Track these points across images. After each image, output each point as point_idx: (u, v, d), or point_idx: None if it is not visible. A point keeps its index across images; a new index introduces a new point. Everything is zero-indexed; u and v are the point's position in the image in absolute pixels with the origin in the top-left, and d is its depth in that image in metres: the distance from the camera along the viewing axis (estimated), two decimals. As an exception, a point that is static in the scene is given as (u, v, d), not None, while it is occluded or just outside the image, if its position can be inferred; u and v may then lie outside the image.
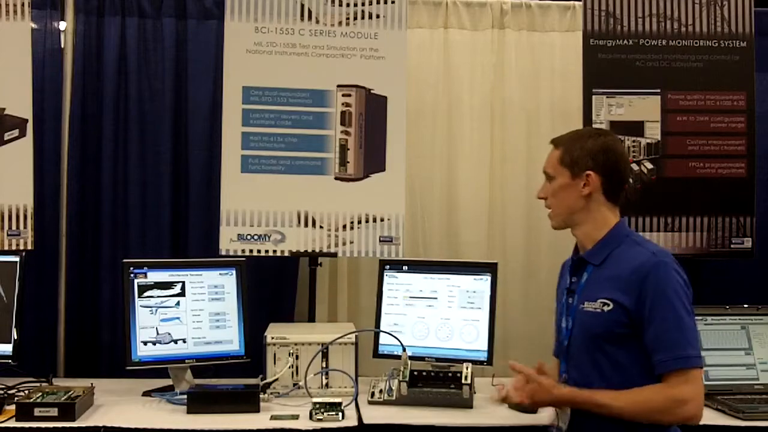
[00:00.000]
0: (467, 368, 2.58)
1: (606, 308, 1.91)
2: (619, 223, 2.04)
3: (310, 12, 3.14)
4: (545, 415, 2.49)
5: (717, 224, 3.15)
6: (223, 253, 3.06)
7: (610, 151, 2.02)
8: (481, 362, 2.82)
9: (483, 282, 2.90)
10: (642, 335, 1.88)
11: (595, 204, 2.02)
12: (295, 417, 2.42)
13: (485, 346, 2.84)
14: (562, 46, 3.53)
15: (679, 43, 3.18)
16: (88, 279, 3.26)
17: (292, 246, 3.10)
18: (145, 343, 2.73)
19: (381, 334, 2.91)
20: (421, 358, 2.84)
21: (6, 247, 2.92)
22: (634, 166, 3.08)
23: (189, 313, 2.81)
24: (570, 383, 2.01)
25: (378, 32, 3.16)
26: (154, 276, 2.79)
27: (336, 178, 3.13)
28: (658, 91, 3.17)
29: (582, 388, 1.94)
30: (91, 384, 2.59)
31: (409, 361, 2.62)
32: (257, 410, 2.47)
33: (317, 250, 3.12)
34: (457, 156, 3.52)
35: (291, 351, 2.69)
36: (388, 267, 3.00)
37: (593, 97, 3.16)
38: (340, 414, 2.41)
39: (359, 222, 3.13)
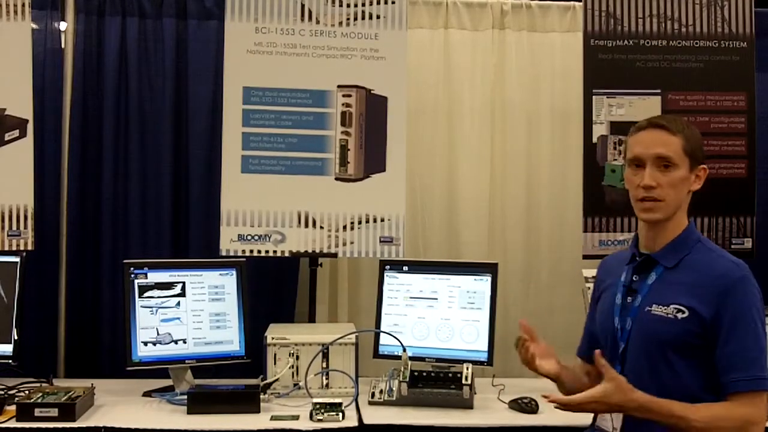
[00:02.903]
0: (467, 369, 2.59)
1: (681, 315, 1.76)
2: (692, 224, 1.88)
3: (310, 12, 3.14)
4: (546, 416, 2.49)
5: (717, 224, 3.15)
6: (224, 253, 3.06)
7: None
8: (481, 363, 2.82)
9: (483, 282, 2.90)
10: (714, 350, 1.74)
11: (686, 202, 1.87)
12: (296, 417, 2.43)
13: (485, 347, 2.84)
14: (563, 47, 3.52)
15: (679, 43, 3.18)
16: (89, 279, 3.26)
17: (293, 246, 3.10)
18: (146, 344, 2.73)
19: (381, 334, 2.91)
20: (422, 359, 2.84)
21: (6, 248, 2.92)
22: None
23: (189, 313, 2.81)
24: None
25: (378, 32, 3.16)
26: (155, 276, 2.79)
27: (336, 179, 3.13)
28: (659, 91, 3.17)
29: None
30: (92, 384, 2.59)
31: (409, 362, 2.62)
32: (257, 410, 2.47)
33: (317, 251, 3.12)
34: (457, 156, 3.51)
35: (291, 351, 2.69)
36: (388, 267, 3.00)
37: (593, 97, 3.16)
38: (341, 414, 2.41)
39: (359, 222, 3.13)
